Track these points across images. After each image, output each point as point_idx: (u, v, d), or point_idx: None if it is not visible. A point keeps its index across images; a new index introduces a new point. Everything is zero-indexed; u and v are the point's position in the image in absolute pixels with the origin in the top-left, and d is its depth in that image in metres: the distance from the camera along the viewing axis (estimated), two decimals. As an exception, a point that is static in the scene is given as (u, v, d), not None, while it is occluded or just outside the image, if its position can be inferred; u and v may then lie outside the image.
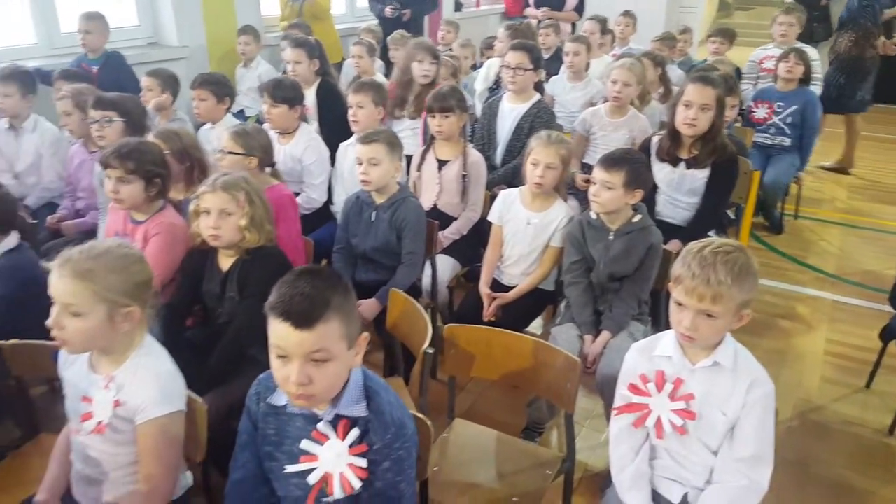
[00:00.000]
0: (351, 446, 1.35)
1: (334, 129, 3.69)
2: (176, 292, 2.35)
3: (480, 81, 4.91)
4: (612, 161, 2.43)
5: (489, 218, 2.91)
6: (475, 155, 3.16)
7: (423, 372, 1.97)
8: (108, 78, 4.00)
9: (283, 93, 3.22)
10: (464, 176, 3.12)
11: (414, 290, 2.69)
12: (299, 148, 3.30)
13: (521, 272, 2.81)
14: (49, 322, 1.47)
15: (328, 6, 5.57)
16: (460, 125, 3.12)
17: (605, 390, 2.23)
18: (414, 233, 2.66)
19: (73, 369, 1.60)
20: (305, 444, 1.37)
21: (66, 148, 3.45)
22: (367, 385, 1.39)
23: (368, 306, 2.56)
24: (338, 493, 1.35)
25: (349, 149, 3.29)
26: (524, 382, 2.04)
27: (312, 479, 1.36)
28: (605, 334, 2.43)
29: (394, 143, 2.68)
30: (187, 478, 1.67)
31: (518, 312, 2.74)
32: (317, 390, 1.29)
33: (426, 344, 1.95)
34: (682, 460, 1.66)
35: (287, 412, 1.41)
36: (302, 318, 1.25)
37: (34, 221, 2.99)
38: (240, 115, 4.56)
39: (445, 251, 3.06)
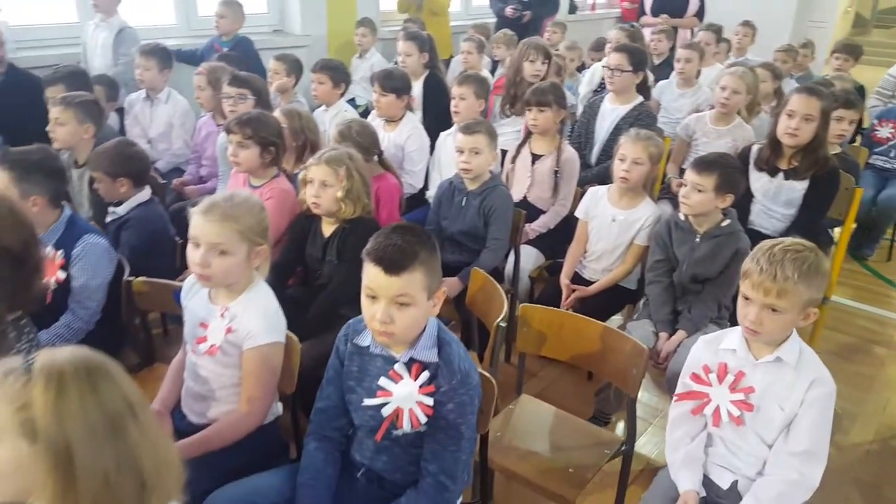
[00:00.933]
0: (421, 386, 1.51)
1: (437, 120, 3.87)
2: (282, 254, 2.59)
3: (585, 84, 4.97)
4: (705, 164, 2.46)
5: (576, 213, 2.99)
6: (569, 151, 3.25)
7: (495, 343, 2.10)
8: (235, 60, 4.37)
9: (393, 83, 3.44)
10: (556, 172, 3.21)
11: (496, 275, 2.81)
12: (403, 136, 3.50)
13: (604, 268, 2.88)
14: (196, 261, 1.70)
15: (448, 3, 5.78)
16: (556, 121, 3.22)
17: (674, 387, 2.28)
18: (500, 220, 2.79)
19: (195, 300, 1.85)
20: (382, 381, 1.54)
21: (193, 119, 3.82)
22: (441, 336, 1.55)
23: (451, 284, 2.71)
24: (406, 426, 1.52)
25: (448, 138, 3.46)
26: (592, 364, 2.13)
27: (386, 411, 1.53)
28: (680, 333, 2.46)
29: (493, 134, 2.83)
30: (278, 408, 1.88)
31: (597, 307, 2.78)
32: (397, 329, 1.46)
33: (500, 317, 2.08)
34: (735, 450, 1.71)
35: (370, 352, 1.59)
36: (392, 265, 1.42)
37: (163, 182, 3.35)
38: (351, 102, 4.83)
39: (531, 242, 3.16)
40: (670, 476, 1.75)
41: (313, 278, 2.56)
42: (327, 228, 2.48)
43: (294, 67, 4.04)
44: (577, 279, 2.91)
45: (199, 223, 1.71)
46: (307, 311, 2.37)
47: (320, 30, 5.47)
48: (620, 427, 2.71)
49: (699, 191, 2.45)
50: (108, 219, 2.64)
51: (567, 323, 2.14)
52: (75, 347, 1.02)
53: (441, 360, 1.52)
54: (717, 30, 5.36)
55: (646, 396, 2.91)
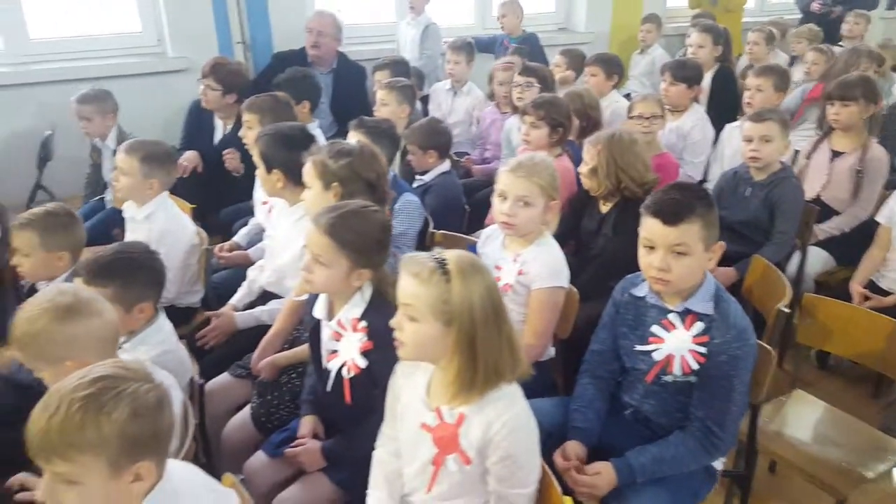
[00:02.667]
0: (694, 337, 1.58)
1: (723, 114, 3.78)
2: (558, 226, 2.79)
3: (901, 83, 4.42)
4: None
5: (877, 217, 2.74)
6: (877, 150, 2.97)
7: (774, 327, 2.05)
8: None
9: (685, 72, 3.48)
10: (858, 171, 2.96)
11: (777, 270, 2.71)
12: (687, 125, 3.50)
13: (905, 279, 2.60)
14: (503, 211, 1.99)
15: (745, 0, 5.57)
16: (863, 117, 2.97)
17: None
18: (788, 213, 2.68)
19: (489, 248, 2.13)
20: (655, 329, 1.65)
21: (482, 108, 4.22)
22: (718, 291, 1.61)
23: (725, 273, 2.67)
24: (677, 371, 1.61)
25: (735, 131, 3.37)
26: (883, 364, 1.97)
27: (657, 356, 1.63)
28: None
29: (785, 123, 2.73)
30: (551, 351, 2.08)
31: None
32: (672, 277, 1.57)
33: (783, 303, 2.03)
34: None
35: (645, 302, 1.70)
36: (670, 216, 1.54)
37: (456, 159, 3.76)
38: (627, 97, 4.91)
39: (820, 244, 2.96)
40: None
41: (585, 249, 2.71)
42: (604, 206, 2.61)
43: (576, 62, 4.24)
44: (873, 288, 2.66)
45: (507, 179, 1.99)
46: (577, 280, 2.54)
47: (604, 26, 5.62)
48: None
49: None
50: (415, 185, 3.08)
51: (857, 317, 2.02)
52: (460, 251, 1.35)
53: (717, 314, 1.58)
54: None
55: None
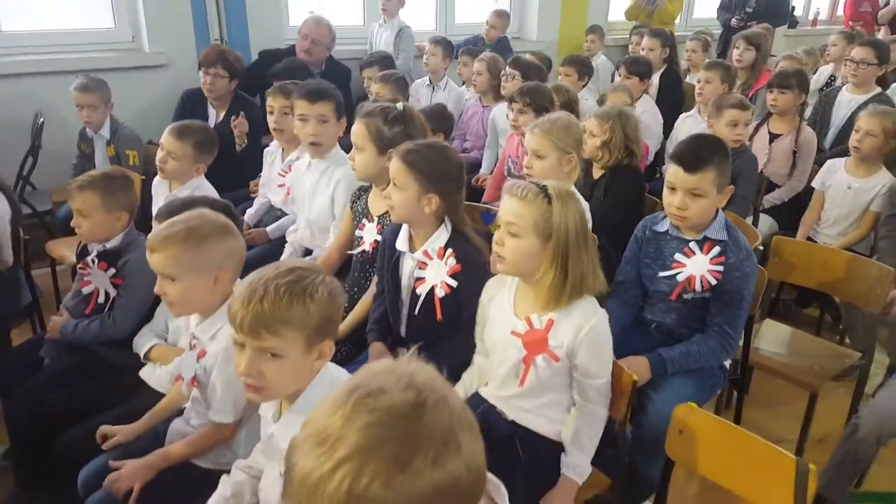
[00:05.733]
0: (711, 259, 1.97)
1: (671, 110, 4.30)
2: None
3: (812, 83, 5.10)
4: None
5: (813, 184, 3.28)
6: (808, 132, 3.53)
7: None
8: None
9: (638, 67, 4.02)
10: (794, 151, 3.50)
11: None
12: (638, 112, 3.91)
13: (837, 233, 3.13)
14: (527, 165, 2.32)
15: (676, 14, 6.20)
16: (796, 104, 3.52)
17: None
18: (748, 180, 3.16)
19: None
20: (678, 256, 2.03)
21: (463, 103, 4.56)
22: (728, 223, 2.01)
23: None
24: (697, 288, 1.99)
25: (687, 119, 3.92)
26: (838, 290, 2.44)
27: (680, 277, 2.01)
28: None
29: (748, 107, 3.23)
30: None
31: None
32: (689, 215, 1.96)
33: (757, 244, 2.47)
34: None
35: (666, 236, 2.08)
36: (689, 164, 1.93)
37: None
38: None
39: (765, 211, 3.47)
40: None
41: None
42: (597, 172, 2.99)
43: (532, 72, 4.63)
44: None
45: (528, 137, 2.32)
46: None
47: (553, 36, 6.11)
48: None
49: None
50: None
51: (816, 253, 2.48)
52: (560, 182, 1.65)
53: (729, 239, 1.98)
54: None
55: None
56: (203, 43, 4.56)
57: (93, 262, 2.18)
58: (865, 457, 2.02)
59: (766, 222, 3.42)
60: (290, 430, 1.28)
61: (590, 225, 1.68)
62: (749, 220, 3.31)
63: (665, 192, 2.00)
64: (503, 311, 1.70)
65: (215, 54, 3.74)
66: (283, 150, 3.16)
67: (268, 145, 3.55)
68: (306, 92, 2.57)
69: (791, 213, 3.47)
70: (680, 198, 1.94)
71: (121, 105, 3.90)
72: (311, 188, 2.60)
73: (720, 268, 1.95)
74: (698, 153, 1.95)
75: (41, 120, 3.83)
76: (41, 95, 4.03)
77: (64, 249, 3.26)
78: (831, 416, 2.41)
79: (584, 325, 1.60)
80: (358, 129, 2.22)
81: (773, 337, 2.51)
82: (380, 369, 0.77)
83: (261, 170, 3.67)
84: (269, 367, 1.28)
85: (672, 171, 1.97)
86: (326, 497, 0.67)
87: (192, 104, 3.97)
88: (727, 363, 2.10)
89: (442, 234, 1.92)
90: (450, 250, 1.90)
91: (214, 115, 3.90)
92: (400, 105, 2.21)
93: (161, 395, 1.92)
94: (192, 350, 1.66)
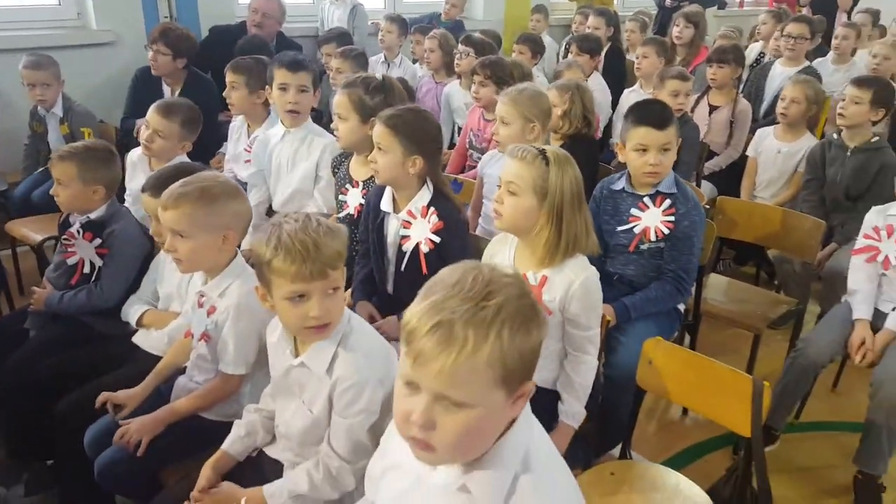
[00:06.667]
0: (663, 210, 2.17)
1: (615, 83, 4.53)
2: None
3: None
4: (864, 80, 3.02)
5: (747, 153, 3.55)
6: (744, 104, 3.82)
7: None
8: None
9: (589, 44, 4.26)
10: (731, 121, 3.78)
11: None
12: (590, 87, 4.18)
13: (770, 195, 3.42)
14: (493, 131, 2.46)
15: (615, -5, 6.46)
16: (733, 77, 3.79)
17: (827, 284, 2.79)
18: (690, 147, 3.37)
19: (494, 167, 2.65)
20: (634, 211, 2.22)
21: (417, 80, 4.66)
22: (676, 177, 2.22)
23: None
24: (652, 237, 2.19)
25: (631, 94, 4.12)
26: (777, 243, 2.71)
27: (637, 229, 2.21)
28: (832, 245, 2.93)
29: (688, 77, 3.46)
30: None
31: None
32: (662, 170, 2.15)
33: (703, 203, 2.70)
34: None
35: (622, 193, 2.27)
36: (658, 122, 2.12)
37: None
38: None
39: (707, 178, 3.74)
40: (846, 307, 2.30)
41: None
42: (555, 141, 3.17)
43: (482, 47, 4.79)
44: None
45: (498, 106, 2.47)
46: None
47: (498, 16, 6.26)
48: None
49: (856, 103, 2.93)
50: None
51: (756, 210, 2.74)
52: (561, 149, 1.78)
53: (678, 191, 2.19)
54: (874, 13, 5.68)
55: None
56: (152, 21, 4.51)
57: (78, 232, 2.21)
58: (803, 386, 2.28)
59: (706, 188, 3.68)
60: (323, 357, 1.43)
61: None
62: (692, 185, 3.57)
63: (632, 155, 2.17)
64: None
65: (158, 32, 3.77)
66: (248, 125, 3.21)
67: (227, 121, 3.59)
68: (287, 61, 2.66)
69: (728, 180, 3.75)
70: (654, 154, 2.13)
71: (69, 84, 3.83)
72: (290, 157, 2.69)
73: (672, 218, 2.16)
74: (663, 112, 2.16)
75: (-6, 100, 3.74)
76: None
77: (24, 230, 3.24)
78: (772, 360, 2.66)
79: (575, 280, 1.74)
80: (340, 100, 2.32)
81: (718, 289, 2.76)
82: None
83: (219, 146, 3.72)
84: (334, 302, 1.41)
85: (643, 133, 2.13)
86: None
87: (145, 83, 3.95)
88: (681, 307, 2.32)
89: (424, 194, 2.06)
90: (432, 209, 2.03)
91: (168, 93, 3.89)
92: (380, 75, 2.31)
93: (152, 360, 2.00)
94: (201, 307, 1.74)
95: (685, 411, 2.61)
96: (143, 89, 3.92)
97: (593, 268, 1.80)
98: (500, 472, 0.96)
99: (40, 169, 3.65)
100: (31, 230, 3.21)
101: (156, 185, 1.96)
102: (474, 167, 3.33)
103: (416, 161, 2.01)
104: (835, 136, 3.07)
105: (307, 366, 1.45)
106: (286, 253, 1.34)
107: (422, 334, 0.90)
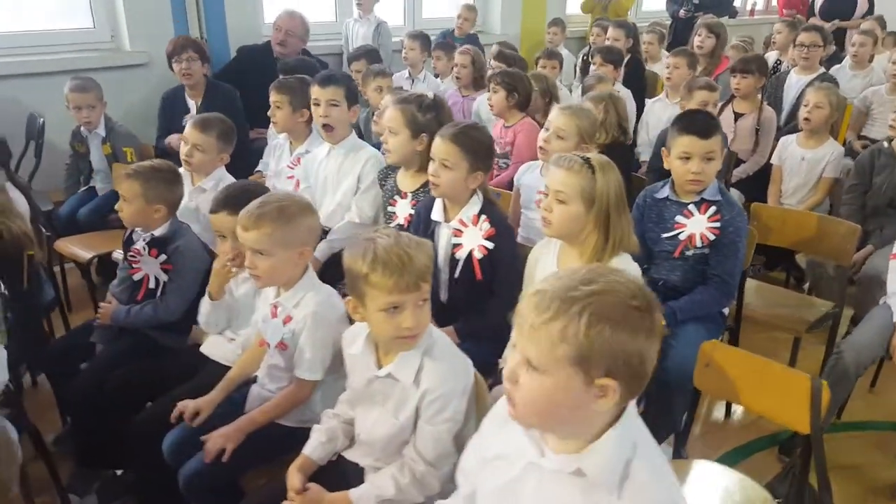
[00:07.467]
0: (708, 217, 2.25)
1: (637, 93, 4.61)
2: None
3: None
4: None
5: (772, 161, 3.62)
6: (769, 111, 3.90)
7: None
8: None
9: (612, 56, 4.33)
10: (756, 129, 3.86)
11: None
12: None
13: (797, 201, 3.49)
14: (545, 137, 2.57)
15: (629, 6, 6.55)
16: (757, 86, 3.87)
17: (863, 287, 2.85)
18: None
19: (530, 175, 2.75)
20: (679, 218, 2.30)
21: (440, 94, 4.76)
22: (720, 186, 2.29)
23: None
24: (698, 243, 2.26)
25: (655, 104, 4.24)
26: (812, 248, 2.78)
27: (682, 236, 2.28)
28: (869, 247, 3.01)
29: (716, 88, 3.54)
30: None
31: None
32: (705, 178, 2.23)
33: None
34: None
35: (667, 202, 2.34)
36: (703, 131, 2.20)
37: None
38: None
39: (735, 185, 3.81)
40: (885, 309, 2.36)
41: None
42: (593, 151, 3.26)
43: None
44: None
45: (557, 117, 2.57)
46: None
47: (515, 29, 6.37)
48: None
49: None
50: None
51: (790, 217, 2.80)
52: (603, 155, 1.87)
53: (723, 198, 2.27)
54: (879, 19, 5.77)
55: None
56: (184, 41, 4.65)
57: (144, 249, 2.29)
58: (845, 388, 2.34)
59: (734, 195, 3.73)
60: (409, 368, 1.50)
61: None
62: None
63: (676, 163, 2.25)
64: (547, 270, 1.93)
65: (183, 41, 3.89)
66: (290, 143, 3.30)
67: (258, 139, 3.66)
68: (318, 77, 2.78)
69: (755, 187, 3.80)
70: (697, 163, 2.20)
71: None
72: (336, 173, 2.77)
73: (717, 224, 2.23)
74: (707, 121, 2.24)
75: (41, 120, 3.85)
76: (24, 97, 4.04)
77: (72, 248, 3.33)
78: (808, 363, 2.71)
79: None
80: (393, 114, 2.40)
81: (754, 293, 2.83)
82: None
83: (256, 162, 3.81)
84: (424, 312, 1.49)
85: (687, 142, 2.21)
86: None
87: (172, 103, 4.06)
88: (725, 311, 2.39)
89: (475, 203, 2.14)
90: (483, 216, 2.12)
91: (193, 105, 4.00)
92: (431, 94, 2.40)
93: (218, 371, 2.07)
94: (275, 318, 1.82)
95: (729, 412, 2.67)
96: (171, 109, 4.04)
97: (636, 264, 1.89)
98: (614, 457, 1.03)
99: (84, 188, 3.77)
100: (79, 248, 3.31)
101: (228, 204, 2.02)
102: (499, 174, 3.44)
103: (479, 176, 2.10)
104: (885, 144, 3.14)
105: (394, 377, 1.52)
106: (384, 267, 1.41)
107: (525, 299, 1.03)
